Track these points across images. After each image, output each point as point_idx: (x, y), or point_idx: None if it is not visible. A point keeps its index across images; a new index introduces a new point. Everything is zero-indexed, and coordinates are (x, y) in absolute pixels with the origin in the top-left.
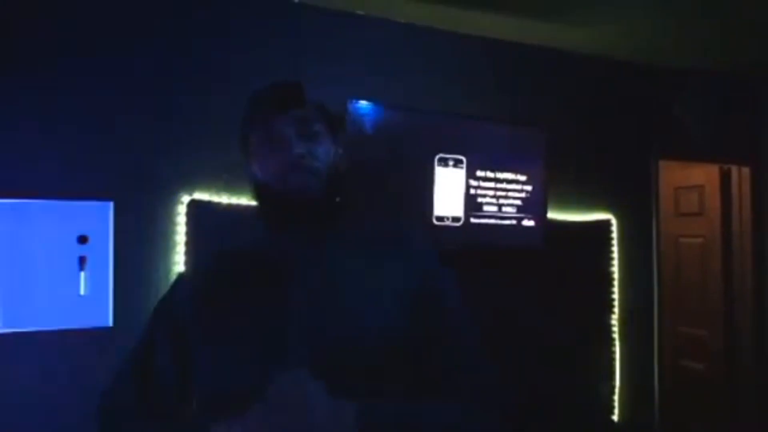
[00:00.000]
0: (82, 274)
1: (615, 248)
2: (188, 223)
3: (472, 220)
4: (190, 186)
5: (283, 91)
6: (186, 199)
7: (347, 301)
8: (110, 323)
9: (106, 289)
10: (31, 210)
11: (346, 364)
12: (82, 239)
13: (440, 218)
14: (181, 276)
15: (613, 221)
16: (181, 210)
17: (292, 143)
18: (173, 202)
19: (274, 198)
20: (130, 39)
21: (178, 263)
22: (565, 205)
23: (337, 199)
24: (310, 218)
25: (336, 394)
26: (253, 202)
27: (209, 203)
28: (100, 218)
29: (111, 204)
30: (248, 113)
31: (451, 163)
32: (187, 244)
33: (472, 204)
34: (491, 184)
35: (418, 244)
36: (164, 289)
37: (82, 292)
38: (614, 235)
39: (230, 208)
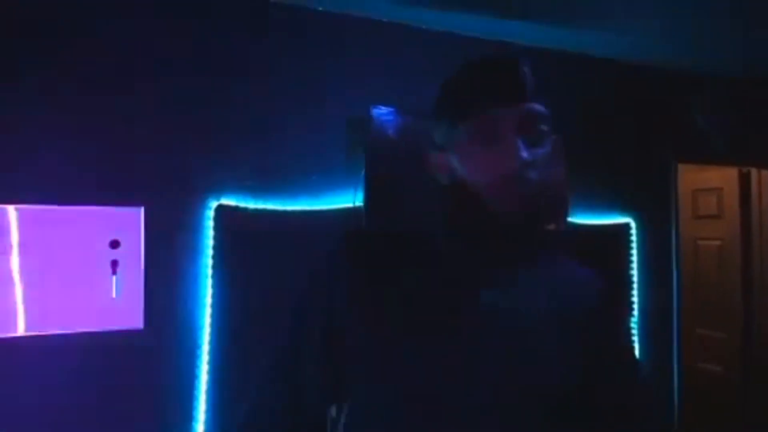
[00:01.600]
0: (114, 277)
1: (634, 251)
2: (216, 228)
3: None
4: (218, 191)
5: (510, 76)
6: (214, 204)
7: (529, 339)
8: (141, 326)
9: (138, 292)
10: (65, 216)
11: (518, 408)
12: (114, 244)
13: None
14: (327, 268)
15: (633, 224)
16: (210, 215)
17: (516, 150)
18: (201, 207)
19: (478, 210)
20: (164, 45)
21: (208, 267)
22: (584, 208)
23: (552, 227)
24: (511, 243)
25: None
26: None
27: (236, 208)
28: (131, 223)
29: (142, 209)
30: (455, 97)
31: None
32: (214, 248)
33: None
34: None
35: (607, 295)
36: (193, 292)
37: (114, 295)
38: (633, 238)
39: (257, 213)
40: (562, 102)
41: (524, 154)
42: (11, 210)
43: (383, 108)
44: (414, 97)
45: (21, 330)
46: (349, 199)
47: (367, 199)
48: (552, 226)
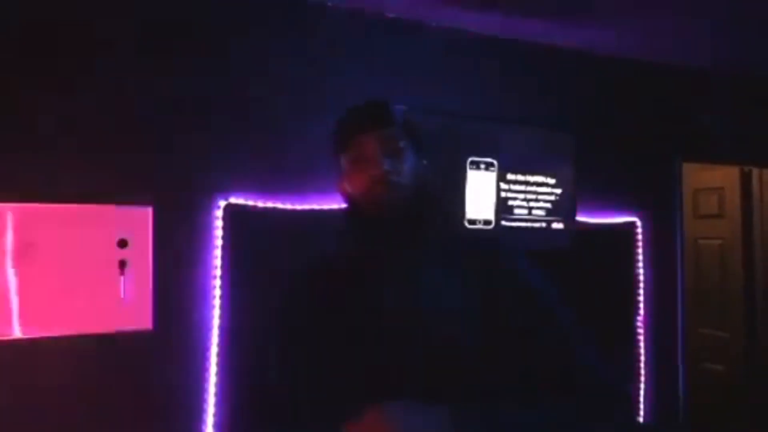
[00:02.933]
0: (122, 277)
1: (640, 249)
2: (225, 227)
3: (503, 222)
4: (227, 190)
5: (369, 111)
6: (222, 203)
7: (438, 308)
8: (150, 326)
9: (147, 293)
10: (73, 214)
11: (440, 370)
12: (122, 243)
13: (472, 221)
14: (288, 289)
15: (639, 223)
16: (219, 214)
17: (379, 161)
18: (210, 206)
19: (364, 213)
20: (169, 45)
21: (217, 266)
22: (591, 206)
23: (423, 212)
24: (399, 232)
25: (431, 399)
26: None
27: (246, 207)
28: (140, 223)
29: (150, 209)
30: (337, 134)
31: (482, 166)
32: (224, 247)
33: (503, 207)
34: (522, 187)
35: (505, 246)
36: (202, 292)
37: (122, 295)
38: (639, 236)
39: (267, 211)
40: (569, 101)
41: (386, 163)
42: (18, 209)
43: (396, 106)
44: (426, 94)
45: (29, 331)
46: None
47: None
48: (426, 222)
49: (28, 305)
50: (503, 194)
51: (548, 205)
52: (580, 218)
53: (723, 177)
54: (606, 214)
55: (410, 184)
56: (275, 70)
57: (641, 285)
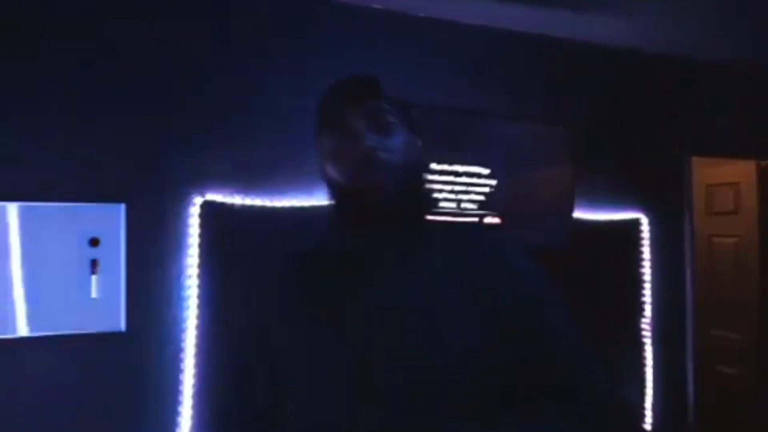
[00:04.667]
0: (94, 277)
1: (646, 248)
2: (202, 225)
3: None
4: (204, 187)
5: (357, 82)
6: (199, 200)
7: (430, 305)
8: (123, 327)
9: (119, 293)
10: (43, 212)
11: (433, 377)
12: (94, 242)
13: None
14: (264, 291)
15: (644, 220)
16: (194, 211)
17: (365, 136)
18: (186, 203)
19: (347, 195)
20: (142, 40)
21: (192, 266)
22: (594, 203)
23: (415, 197)
24: (386, 216)
25: (423, 409)
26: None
27: (223, 204)
28: (111, 221)
29: (123, 206)
30: (321, 106)
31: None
32: (200, 245)
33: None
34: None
35: (504, 244)
36: (177, 292)
37: (93, 295)
38: (645, 234)
39: (244, 208)
40: (571, 94)
41: (371, 138)
42: None
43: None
44: (414, 88)
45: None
46: None
47: None
48: (412, 207)
49: None
50: None
51: (544, 201)
52: (582, 215)
53: (739, 172)
54: (609, 210)
55: (400, 163)
56: (254, 65)
57: (647, 285)
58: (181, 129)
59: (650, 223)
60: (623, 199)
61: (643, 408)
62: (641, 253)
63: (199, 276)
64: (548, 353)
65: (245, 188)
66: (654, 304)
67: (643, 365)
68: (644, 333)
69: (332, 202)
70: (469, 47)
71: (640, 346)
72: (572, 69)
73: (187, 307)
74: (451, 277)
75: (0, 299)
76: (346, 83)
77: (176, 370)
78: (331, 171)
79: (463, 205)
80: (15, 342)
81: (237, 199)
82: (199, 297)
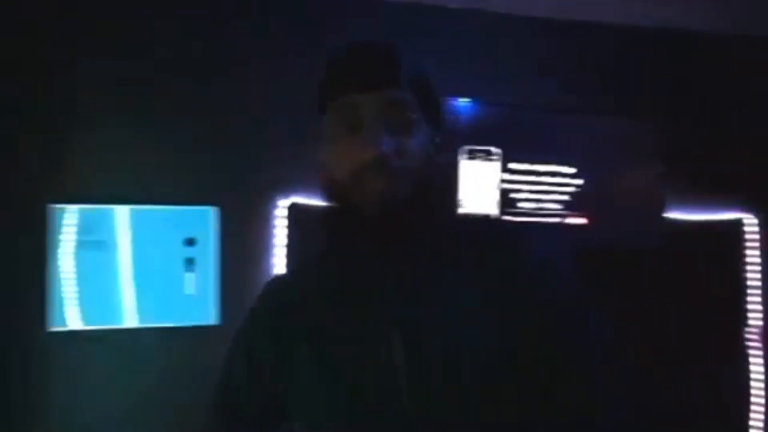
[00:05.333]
0: (189, 275)
1: (751, 251)
2: (288, 226)
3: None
4: (290, 190)
5: (369, 60)
6: (285, 203)
7: (440, 329)
8: (215, 321)
9: (211, 290)
10: (146, 215)
11: (442, 402)
12: (189, 242)
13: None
14: (257, 300)
15: (749, 220)
16: (281, 213)
17: (377, 136)
18: (273, 206)
19: (346, 201)
20: (233, 46)
21: (278, 265)
22: (688, 202)
23: (428, 207)
24: (392, 230)
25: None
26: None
27: (309, 206)
28: (205, 222)
29: (215, 209)
30: (321, 87)
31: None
32: (287, 246)
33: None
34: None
35: (530, 249)
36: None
37: (188, 291)
38: (750, 236)
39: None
40: (660, 85)
41: (387, 142)
42: (91, 210)
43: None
44: (495, 87)
45: (122, 323)
46: None
47: None
48: (431, 218)
49: (99, 298)
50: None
51: (635, 200)
52: (674, 215)
53: None
54: (705, 210)
55: (416, 168)
56: None
57: (753, 291)
58: (271, 133)
59: (757, 224)
60: (722, 197)
61: (747, 426)
62: (744, 256)
63: None
64: (566, 389)
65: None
66: (765, 312)
67: (748, 378)
68: (749, 344)
69: (328, 204)
70: (549, 42)
71: (744, 357)
72: (662, 59)
73: None
74: (466, 296)
75: (111, 293)
76: (358, 56)
77: None
78: (331, 170)
79: (544, 205)
80: (123, 332)
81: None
82: None
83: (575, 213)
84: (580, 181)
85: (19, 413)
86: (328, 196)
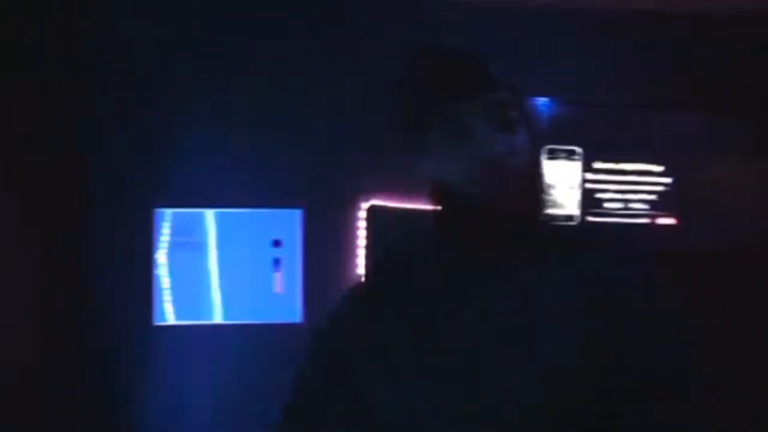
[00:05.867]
0: (277, 274)
1: None
2: (369, 228)
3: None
4: (371, 192)
5: (468, 67)
6: (366, 204)
7: (540, 334)
8: (301, 320)
9: (298, 289)
10: (234, 218)
11: (525, 411)
12: (276, 243)
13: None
14: (345, 296)
15: None
16: (362, 215)
17: (490, 137)
18: (355, 207)
19: (468, 206)
20: (323, 54)
21: (360, 265)
22: None
23: (538, 205)
24: (506, 231)
25: None
26: (431, 208)
27: (388, 208)
28: (291, 224)
29: (301, 211)
30: (417, 105)
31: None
32: (367, 247)
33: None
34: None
35: (620, 252)
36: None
37: (276, 290)
38: None
39: (409, 213)
40: (756, 77)
41: (500, 141)
42: (187, 213)
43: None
44: (579, 86)
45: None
46: None
47: None
48: (530, 213)
49: (194, 296)
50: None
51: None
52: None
53: None
54: None
55: (526, 167)
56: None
57: None
58: (352, 138)
59: None
60: None
61: None
62: None
63: None
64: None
65: (410, 194)
66: None
67: None
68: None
69: (439, 208)
70: (636, 37)
71: None
72: (751, 49)
73: None
74: (564, 300)
75: (201, 292)
76: (450, 68)
77: None
78: (443, 174)
79: (632, 205)
80: (212, 327)
81: (403, 204)
82: None
83: (664, 213)
84: (668, 180)
85: (128, 395)
86: (443, 203)
